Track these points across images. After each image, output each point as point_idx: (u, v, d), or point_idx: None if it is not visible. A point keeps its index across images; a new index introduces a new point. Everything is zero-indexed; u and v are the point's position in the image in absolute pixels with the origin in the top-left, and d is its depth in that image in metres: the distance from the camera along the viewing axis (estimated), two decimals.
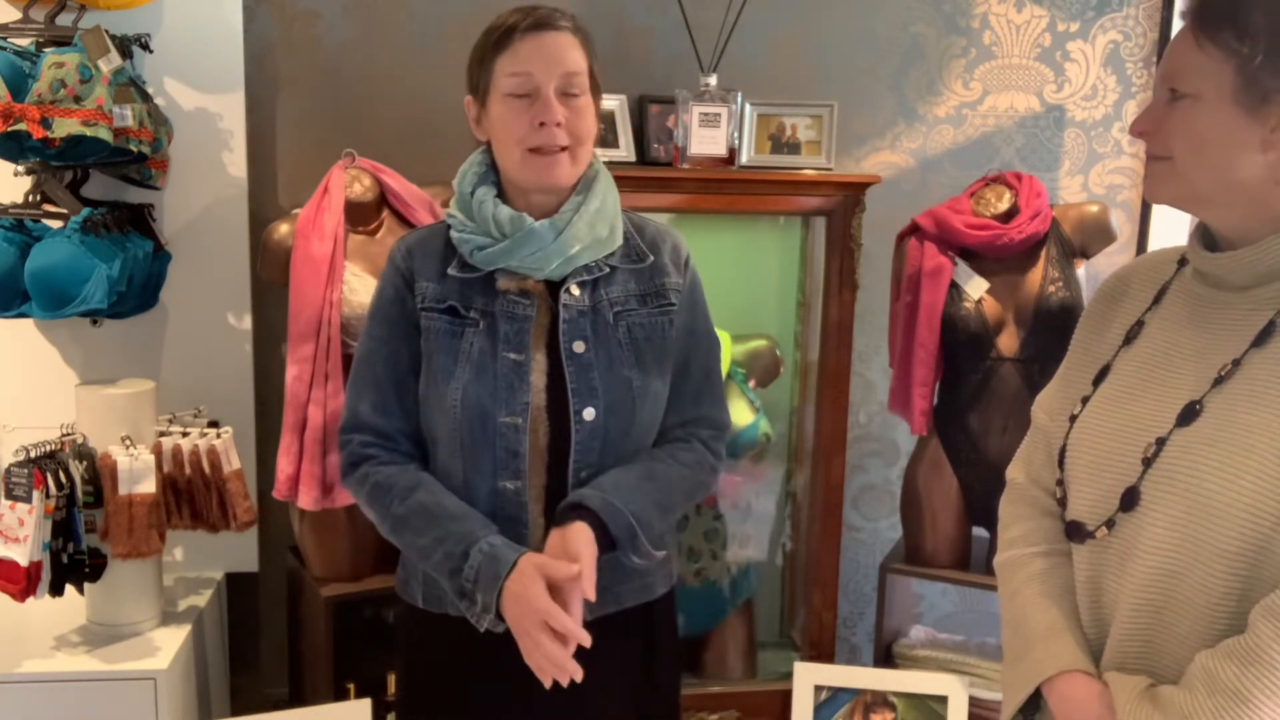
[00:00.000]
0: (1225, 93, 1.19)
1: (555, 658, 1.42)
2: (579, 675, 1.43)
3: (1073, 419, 1.38)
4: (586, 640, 1.43)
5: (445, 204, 2.46)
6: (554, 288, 1.59)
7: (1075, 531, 1.33)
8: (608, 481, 1.56)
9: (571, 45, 1.55)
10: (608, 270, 1.61)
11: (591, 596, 1.46)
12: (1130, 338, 1.37)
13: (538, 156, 1.53)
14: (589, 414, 1.55)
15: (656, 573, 1.69)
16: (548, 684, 1.44)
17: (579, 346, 1.57)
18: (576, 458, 1.56)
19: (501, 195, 1.60)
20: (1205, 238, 1.32)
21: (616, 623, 1.63)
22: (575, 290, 1.59)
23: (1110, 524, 1.28)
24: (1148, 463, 1.25)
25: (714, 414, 1.71)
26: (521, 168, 1.55)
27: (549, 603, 1.43)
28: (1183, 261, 1.36)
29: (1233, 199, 1.23)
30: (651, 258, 1.65)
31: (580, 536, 1.49)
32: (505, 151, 1.56)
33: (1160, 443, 1.25)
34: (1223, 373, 1.24)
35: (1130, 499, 1.26)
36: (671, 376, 1.65)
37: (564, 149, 1.54)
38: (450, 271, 1.59)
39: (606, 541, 1.52)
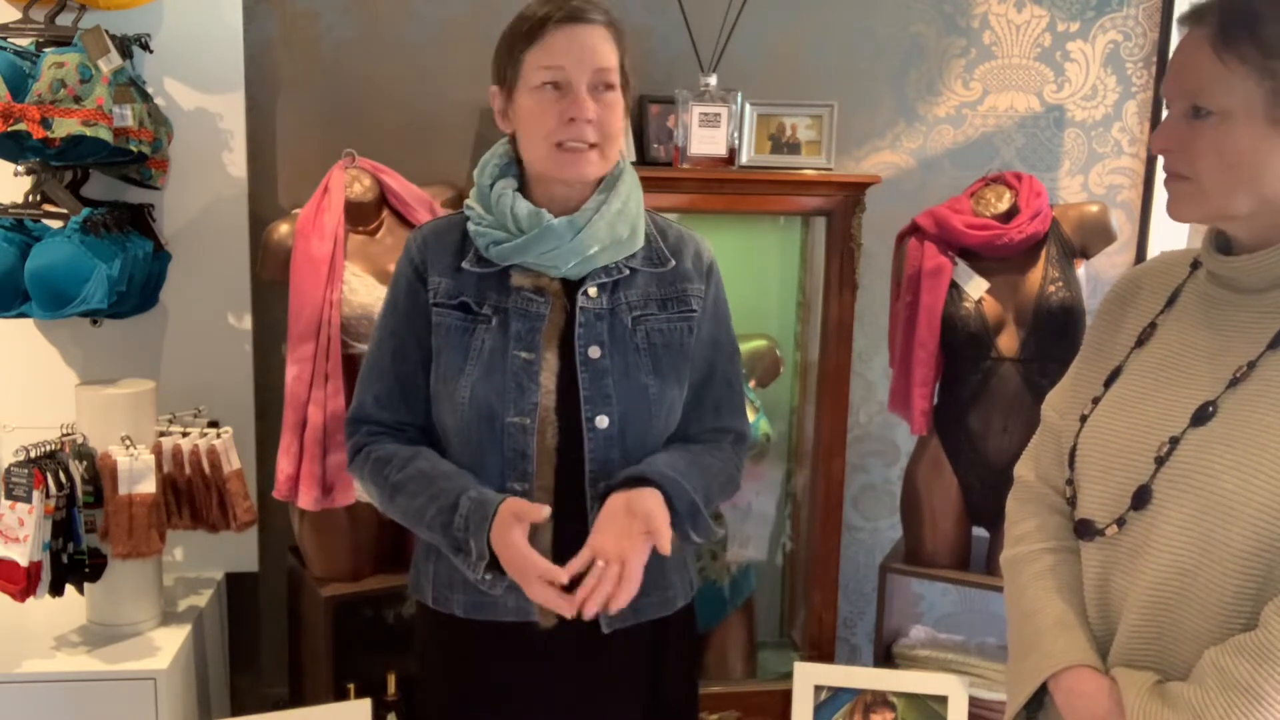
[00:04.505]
0: (1255, 110, 1.18)
1: (547, 601, 1.43)
2: (571, 612, 1.42)
3: (1083, 419, 1.38)
4: (563, 578, 1.42)
5: (445, 204, 2.46)
6: (570, 287, 1.56)
7: (1085, 529, 1.33)
8: (660, 461, 1.54)
9: (604, 39, 1.51)
10: (628, 272, 1.58)
11: (667, 551, 1.45)
12: (1142, 339, 1.37)
13: (564, 151, 1.50)
14: (602, 422, 1.53)
15: (678, 586, 1.66)
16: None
17: (594, 352, 1.54)
18: (592, 468, 1.53)
19: (523, 189, 1.57)
20: (1218, 241, 1.31)
21: (632, 635, 1.60)
22: (593, 292, 1.55)
23: (1121, 522, 1.28)
24: (1160, 462, 1.25)
25: (735, 424, 1.68)
26: (548, 162, 1.51)
27: (525, 548, 1.42)
28: (1196, 264, 1.36)
29: (1258, 211, 1.23)
30: (674, 262, 1.61)
31: (650, 497, 1.47)
32: (532, 145, 1.53)
33: (1173, 442, 1.25)
34: (1237, 374, 1.24)
35: (1142, 497, 1.26)
36: (694, 386, 1.63)
37: (593, 145, 1.50)
38: (465, 265, 1.56)
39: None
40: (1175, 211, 1.29)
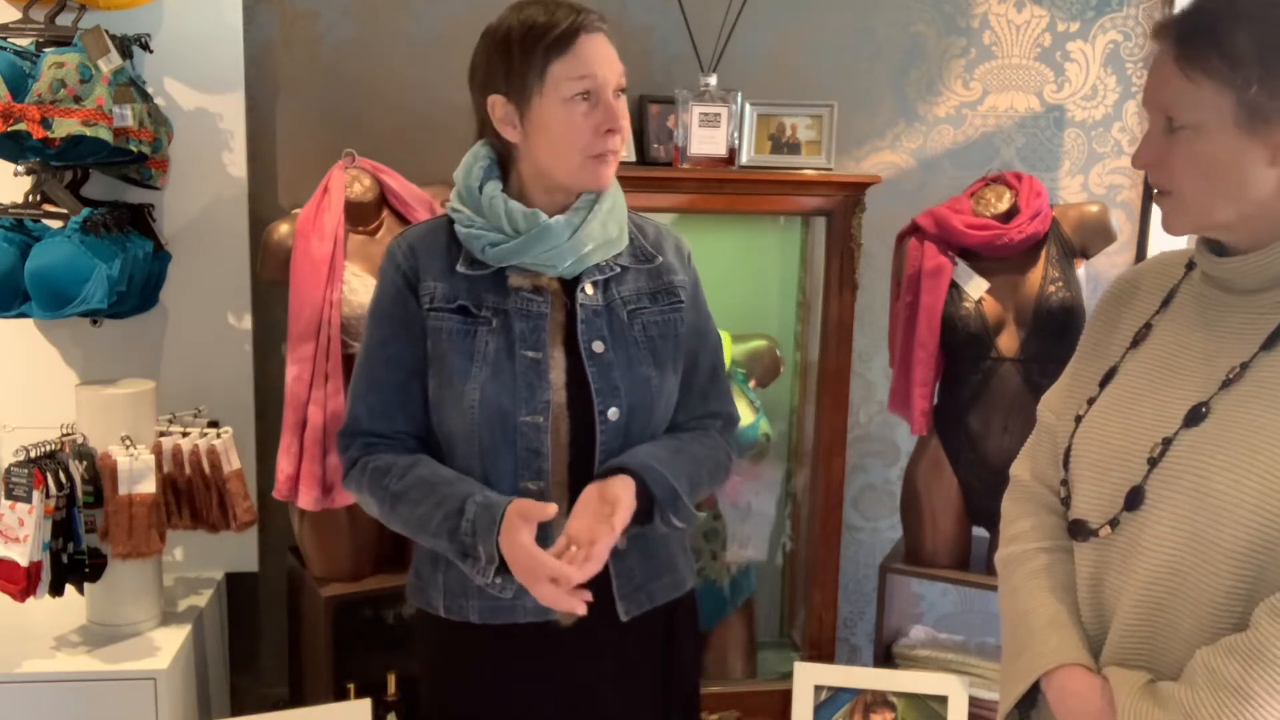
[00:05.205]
0: (1226, 120, 1.19)
1: (556, 602, 1.42)
2: (581, 609, 1.43)
3: (1078, 419, 1.38)
4: (575, 578, 1.42)
5: (445, 204, 2.46)
6: (566, 286, 1.58)
7: (1079, 530, 1.33)
8: (641, 451, 1.55)
9: (610, 43, 1.53)
10: (619, 270, 1.60)
11: (618, 531, 1.46)
12: (1138, 340, 1.37)
13: (598, 161, 1.52)
14: (614, 414, 1.55)
15: (683, 568, 1.69)
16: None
17: (598, 346, 1.56)
18: (603, 459, 1.55)
19: (506, 191, 1.58)
20: (1212, 242, 1.32)
21: (647, 622, 1.62)
22: (590, 289, 1.57)
23: (1114, 523, 1.29)
24: (1153, 463, 1.26)
25: (723, 408, 1.72)
26: (580, 172, 1.52)
27: (533, 549, 1.43)
28: (1191, 264, 1.37)
29: (1246, 216, 1.23)
30: (660, 258, 1.64)
31: (620, 483, 1.49)
32: (562, 156, 1.52)
33: (1166, 443, 1.25)
34: (1230, 375, 1.24)
35: (1135, 498, 1.26)
36: (682, 374, 1.65)
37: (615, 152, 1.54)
38: (459, 269, 1.56)
39: (643, 508, 1.51)
40: (1167, 225, 1.31)
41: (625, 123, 1.54)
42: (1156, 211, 2.99)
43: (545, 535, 1.49)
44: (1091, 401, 1.38)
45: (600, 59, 1.50)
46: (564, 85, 1.49)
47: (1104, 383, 1.38)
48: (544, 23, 1.49)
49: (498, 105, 1.54)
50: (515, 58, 1.51)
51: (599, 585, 1.51)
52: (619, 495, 1.48)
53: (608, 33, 1.53)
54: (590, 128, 1.50)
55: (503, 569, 1.47)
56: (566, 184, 1.55)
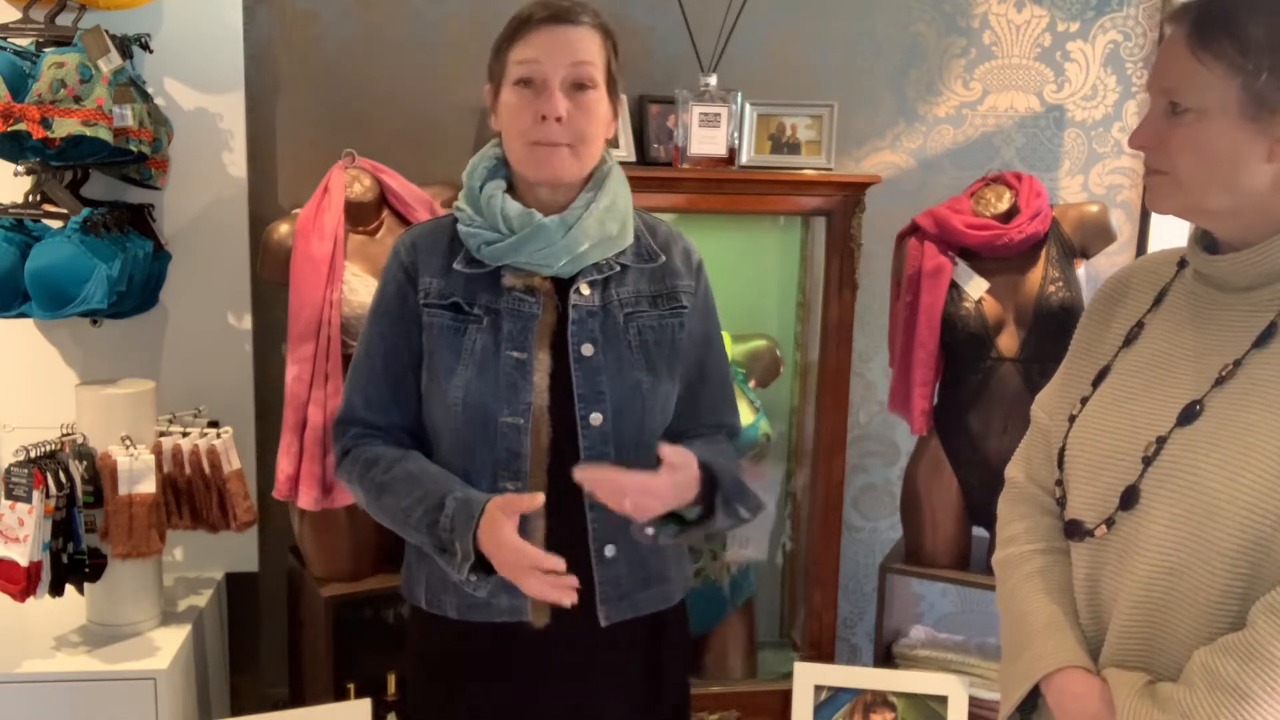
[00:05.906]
0: (1230, 108, 1.19)
1: (543, 593, 1.41)
2: (571, 598, 1.40)
3: (1072, 419, 1.38)
4: (560, 565, 1.40)
5: (445, 204, 2.46)
6: (562, 286, 1.57)
7: (1074, 530, 1.34)
8: (693, 448, 1.53)
9: (588, 39, 1.52)
10: (619, 269, 1.59)
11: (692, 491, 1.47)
12: (1130, 339, 1.37)
13: (537, 149, 1.51)
14: (596, 419, 1.54)
15: (676, 580, 1.67)
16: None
17: (587, 349, 1.55)
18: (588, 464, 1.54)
19: (511, 190, 1.58)
20: (1204, 240, 1.32)
21: (629, 630, 1.61)
22: (585, 290, 1.57)
23: (1110, 523, 1.29)
24: (1148, 462, 1.26)
25: (730, 420, 1.72)
26: (523, 160, 1.53)
27: (517, 541, 1.41)
28: (1183, 263, 1.37)
29: (1238, 208, 1.23)
30: (663, 258, 1.63)
31: (687, 454, 1.46)
32: (509, 142, 1.55)
33: (1160, 442, 1.25)
34: (1223, 373, 1.24)
35: (1130, 497, 1.26)
36: (688, 384, 1.64)
37: (567, 145, 1.51)
38: (456, 266, 1.57)
39: (705, 498, 1.50)
40: (1153, 203, 1.31)
41: (575, 114, 1.50)
42: (1157, 215, 3.00)
43: (526, 528, 1.48)
44: (1085, 401, 1.38)
45: (550, 48, 1.49)
46: (511, 70, 1.52)
47: (1097, 382, 1.38)
48: (516, 15, 1.54)
49: (488, 95, 1.59)
50: (494, 48, 1.57)
51: (581, 589, 1.49)
52: (687, 459, 1.46)
53: (593, 26, 1.52)
54: (530, 114, 1.50)
55: (478, 567, 1.46)
56: (522, 174, 1.56)
